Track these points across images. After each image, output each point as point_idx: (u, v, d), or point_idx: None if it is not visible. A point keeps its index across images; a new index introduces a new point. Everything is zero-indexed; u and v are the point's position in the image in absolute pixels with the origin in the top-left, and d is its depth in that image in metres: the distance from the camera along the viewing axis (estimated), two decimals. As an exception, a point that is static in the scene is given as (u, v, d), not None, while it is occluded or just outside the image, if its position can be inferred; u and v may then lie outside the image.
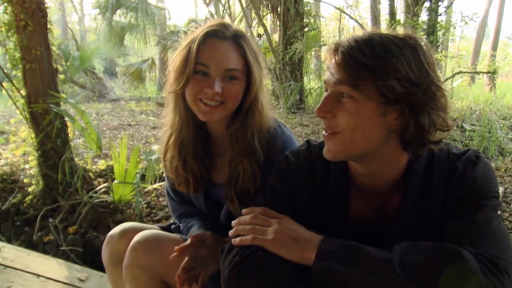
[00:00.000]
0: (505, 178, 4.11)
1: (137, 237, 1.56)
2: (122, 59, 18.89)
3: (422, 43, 1.08)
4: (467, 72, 10.59)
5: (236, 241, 1.10)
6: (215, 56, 1.44)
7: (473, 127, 6.10)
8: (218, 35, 1.45)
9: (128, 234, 1.63)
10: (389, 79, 1.00)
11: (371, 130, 1.07)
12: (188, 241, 1.48)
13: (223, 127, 1.58)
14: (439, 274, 0.90)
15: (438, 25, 6.17)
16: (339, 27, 12.00)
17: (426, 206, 1.13)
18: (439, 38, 6.67)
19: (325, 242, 1.02)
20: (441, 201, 1.10)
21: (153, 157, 4.02)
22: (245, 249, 1.06)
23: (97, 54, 13.77)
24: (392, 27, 6.92)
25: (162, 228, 1.84)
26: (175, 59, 1.50)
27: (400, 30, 1.13)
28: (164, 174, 1.83)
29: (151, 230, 1.63)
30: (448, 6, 7.16)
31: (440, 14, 6.41)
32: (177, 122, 1.60)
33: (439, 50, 7.93)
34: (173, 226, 1.87)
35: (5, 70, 4.02)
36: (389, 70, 1.00)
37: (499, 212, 1.06)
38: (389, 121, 1.06)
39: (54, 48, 4.04)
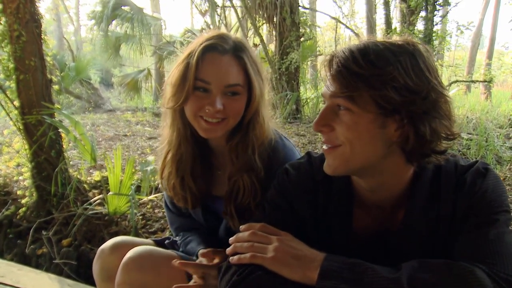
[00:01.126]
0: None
1: (130, 253, 1.51)
2: (118, 69, 18.87)
3: (422, 48, 1.03)
4: (463, 81, 10.63)
5: (234, 259, 1.05)
6: (215, 72, 1.38)
7: (470, 135, 6.08)
8: (218, 49, 1.40)
9: (120, 248, 1.59)
10: (385, 88, 0.95)
11: (370, 143, 1.02)
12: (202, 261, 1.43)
13: (224, 140, 1.54)
14: None
15: (434, 34, 6.18)
16: (335, 37, 12.02)
17: (433, 220, 1.08)
18: (435, 47, 6.69)
19: (328, 261, 0.97)
20: (449, 215, 1.06)
21: (148, 168, 3.97)
22: (244, 267, 1.01)
23: (93, 65, 13.76)
24: (388, 36, 6.94)
25: (156, 242, 1.79)
26: (172, 73, 1.45)
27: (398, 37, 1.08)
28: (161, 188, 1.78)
29: (145, 246, 1.58)
30: (444, 16, 7.17)
31: (436, 24, 6.43)
32: (175, 138, 1.56)
33: (436, 59, 7.95)
34: (167, 242, 1.82)
35: (-2, 81, 3.97)
36: (385, 79, 0.95)
37: (510, 227, 1.01)
38: (389, 132, 1.01)
39: (48, 58, 4.00)
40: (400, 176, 1.10)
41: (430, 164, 1.08)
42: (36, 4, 3.79)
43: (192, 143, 1.55)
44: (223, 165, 1.61)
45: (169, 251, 1.63)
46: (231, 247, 1.09)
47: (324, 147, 1.09)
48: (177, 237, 1.80)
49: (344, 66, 0.99)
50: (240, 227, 1.14)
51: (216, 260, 1.40)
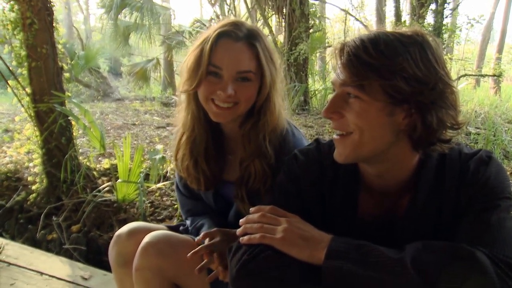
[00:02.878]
0: (510, 181, 4.08)
1: (148, 238, 1.53)
2: (127, 58, 18.94)
3: (430, 39, 1.05)
4: (472, 75, 10.57)
5: (244, 239, 1.09)
6: (228, 58, 1.42)
7: (478, 130, 6.06)
8: (231, 36, 1.43)
9: (137, 234, 1.61)
10: (395, 78, 0.98)
11: (379, 131, 1.05)
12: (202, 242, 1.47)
13: (237, 126, 1.57)
14: (452, 274, 0.89)
15: (443, 27, 6.14)
16: (345, 29, 11.97)
17: (436, 207, 1.11)
18: (445, 41, 6.64)
19: (335, 241, 1.01)
20: (452, 201, 1.09)
21: (157, 157, 4.00)
22: (254, 247, 1.05)
23: (102, 54, 13.82)
24: (398, 27, 6.90)
25: (170, 228, 1.82)
26: (188, 58, 1.49)
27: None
28: (175, 171, 1.81)
29: (162, 231, 1.60)
30: (454, 9, 7.13)
31: (446, 17, 6.39)
32: (189, 121, 1.60)
33: (445, 53, 7.91)
34: (181, 228, 1.85)
35: (10, 68, 4.02)
36: (395, 69, 0.98)
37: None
38: (397, 120, 1.04)
39: (59, 46, 4.04)
40: (406, 163, 1.13)
41: (435, 152, 1.11)
42: (48, -9, 3.82)
43: (205, 126, 1.58)
44: (235, 150, 1.64)
45: (186, 236, 1.65)
46: (241, 228, 1.13)
47: (335, 136, 1.12)
48: (187, 220, 1.83)
49: (355, 55, 1.02)
50: (250, 209, 1.17)
51: (217, 238, 1.45)
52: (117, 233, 1.68)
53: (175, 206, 3.74)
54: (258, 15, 9.44)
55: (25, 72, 3.84)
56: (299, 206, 1.20)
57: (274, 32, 8.76)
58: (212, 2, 10.60)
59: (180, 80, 1.54)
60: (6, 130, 6.83)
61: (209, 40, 1.42)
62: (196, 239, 1.50)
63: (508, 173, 4.26)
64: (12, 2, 3.68)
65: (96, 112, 8.98)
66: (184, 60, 1.53)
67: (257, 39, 1.46)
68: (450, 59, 8.16)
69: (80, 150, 4.87)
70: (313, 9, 8.97)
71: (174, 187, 2.10)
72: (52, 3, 3.87)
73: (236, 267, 1.04)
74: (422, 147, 1.09)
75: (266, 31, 8.86)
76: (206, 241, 1.48)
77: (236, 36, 1.44)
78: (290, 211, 1.15)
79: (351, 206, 1.20)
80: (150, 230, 1.61)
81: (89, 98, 12.30)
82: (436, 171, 1.12)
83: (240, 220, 1.15)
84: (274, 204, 1.18)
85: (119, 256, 1.65)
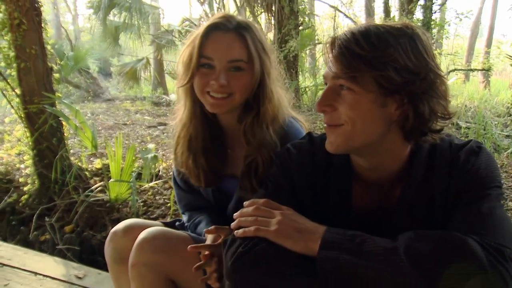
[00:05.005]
0: (500, 174, 4.12)
1: (144, 234, 1.53)
2: (117, 59, 18.81)
3: (420, 32, 1.07)
4: (461, 70, 10.64)
5: (239, 232, 1.09)
6: (218, 48, 1.44)
7: (468, 124, 6.12)
8: (221, 28, 1.45)
9: (133, 230, 1.61)
10: (386, 69, 0.99)
11: (371, 122, 1.06)
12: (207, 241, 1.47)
13: (234, 119, 1.57)
14: (444, 262, 0.90)
15: (432, 22, 6.18)
16: (334, 26, 12.00)
17: (428, 196, 1.12)
18: (434, 36, 6.69)
19: (329, 233, 1.02)
20: (444, 191, 1.10)
21: (149, 156, 4.00)
22: (248, 240, 1.05)
23: (92, 54, 13.72)
24: (388, 20, 6.92)
25: (166, 224, 1.82)
26: (181, 54, 1.51)
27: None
28: (173, 166, 1.81)
29: (158, 227, 1.60)
30: (443, 4, 7.17)
31: (435, 12, 6.43)
32: (186, 116, 1.61)
33: (434, 48, 7.96)
34: (177, 224, 1.85)
35: (-1, 69, 3.99)
36: (386, 60, 0.99)
37: (502, 202, 1.06)
38: (390, 111, 1.05)
39: (48, 47, 4.01)
40: (398, 154, 1.14)
41: (426, 143, 1.12)
42: (36, -9, 3.80)
43: (202, 120, 1.59)
44: (233, 145, 1.65)
45: (182, 232, 1.65)
46: (235, 221, 1.13)
47: (326, 125, 1.13)
48: (183, 215, 1.83)
49: (347, 48, 1.03)
50: (244, 203, 1.18)
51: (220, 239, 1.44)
52: (112, 230, 1.68)
53: (168, 204, 3.74)
54: (248, 13, 9.43)
55: (14, 73, 3.83)
56: (292, 199, 1.21)
57: (263, 29, 8.75)
58: (201, 0, 10.57)
59: (177, 76, 1.55)
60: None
61: (200, 34, 1.44)
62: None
63: (499, 166, 4.31)
64: (-1, 3, 3.66)
65: (87, 112, 8.96)
66: (178, 57, 1.55)
67: (247, 30, 1.48)
68: (440, 54, 8.21)
69: (72, 151, 4.86)
70: (302, 6, 8.98)
71: (171, 182, 2.09)
72: (40, 3, 3.84)
73: (231, 260, 1.04)
74: (414, 138, 1.10)
75: (256, 28, 8.83)
76: (208, 238, 1.48)
77: (226, 28, 1.45)
78: (283, 204, 1.15)
79: (344, 198, 1.21)
80: (146, 226, 1.61)
81: (79, 99, 12.21)
82: (427, 162, 1.13)
83: (234, 214, 1.16)
84: (267, 197, 1.18)
85: (115, 253, 1.65)
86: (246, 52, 1.46)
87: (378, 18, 9.34)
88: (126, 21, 11.12)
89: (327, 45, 1.09)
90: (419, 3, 6.29)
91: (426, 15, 6.12)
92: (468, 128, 5.74)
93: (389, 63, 0.99)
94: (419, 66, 1.01)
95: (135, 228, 1.62)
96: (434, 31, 6.67)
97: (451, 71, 8.74)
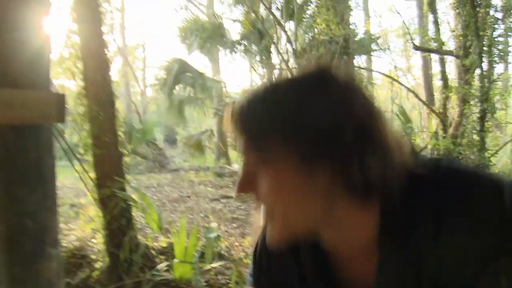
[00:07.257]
0: None
1: None
2: (182, 126, 19.71)
3: (338, 75, 0.83)
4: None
5: None
6: None
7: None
8: None
9: None
10: (297, 131, 0.79)
11: (303, 197, 0.82)
12: None
13: None
14: None
15: (491, 92, 6.07)
16: (391, 95, 12.03)
17: (414, 265, 0.80)
18: (495, 105, 6.54)
19: None
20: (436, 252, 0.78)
21: (212, 235, 4.16)
22: None
23: (158, 126, 14.51)
24: (445, 95, 6.90)
25: None
26: None
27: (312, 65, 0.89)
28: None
29: None
30: (502, 73, 7.05)
31: (494, 81, 6.32)
32: None
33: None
34: None
35: (77, 155, 4.39)
36: (293, 121, 0.78)
37: None
38: (321, 178, 0.79)
39: (120, 133, 4.38)
40: (359, 225, 0.84)
41: (395, 191, 0.81)
42: (112, 86, 4.22)
43: None
44: None
45: None
46: None
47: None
48: None
49: (240, 118, 0.85)
50: None
51: None
52: None
53: (229, 284, 3.83)
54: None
55: (90, 159, 4.19)
56: (272, 281, 1.03)
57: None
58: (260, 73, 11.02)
59: None
60: (71, 205, 7.25)
61: None
62: None
63: None
64: (81, 97, 4.09)
65: (153, 184, 9.38)
66: None
67: None
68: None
69: (139, 226, 5.11)
70: (359, 76, 9.12)
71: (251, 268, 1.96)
72: (115, 96, 4.25)
73: None
74: (373, 192, 0.81)
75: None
76: None
77: None
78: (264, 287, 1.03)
79: (324, 274, 0.94)
80: None
81: (146, 169, 12.84)
82: (402, 222, 0.81)
83: None
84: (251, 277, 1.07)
85: None
86: None
87: (437, 86, 9.30)
88: (191, 95, 11.81)
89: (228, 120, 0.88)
90: (475, 72, 6.21)
91: (484, 84, 6.03)
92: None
93: (297, 124, 0.79)
94: (339, 117, 0.77)
95: None
96: (495, 99, 6.52)
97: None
